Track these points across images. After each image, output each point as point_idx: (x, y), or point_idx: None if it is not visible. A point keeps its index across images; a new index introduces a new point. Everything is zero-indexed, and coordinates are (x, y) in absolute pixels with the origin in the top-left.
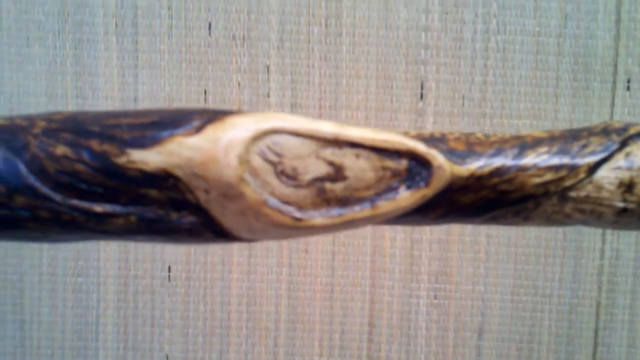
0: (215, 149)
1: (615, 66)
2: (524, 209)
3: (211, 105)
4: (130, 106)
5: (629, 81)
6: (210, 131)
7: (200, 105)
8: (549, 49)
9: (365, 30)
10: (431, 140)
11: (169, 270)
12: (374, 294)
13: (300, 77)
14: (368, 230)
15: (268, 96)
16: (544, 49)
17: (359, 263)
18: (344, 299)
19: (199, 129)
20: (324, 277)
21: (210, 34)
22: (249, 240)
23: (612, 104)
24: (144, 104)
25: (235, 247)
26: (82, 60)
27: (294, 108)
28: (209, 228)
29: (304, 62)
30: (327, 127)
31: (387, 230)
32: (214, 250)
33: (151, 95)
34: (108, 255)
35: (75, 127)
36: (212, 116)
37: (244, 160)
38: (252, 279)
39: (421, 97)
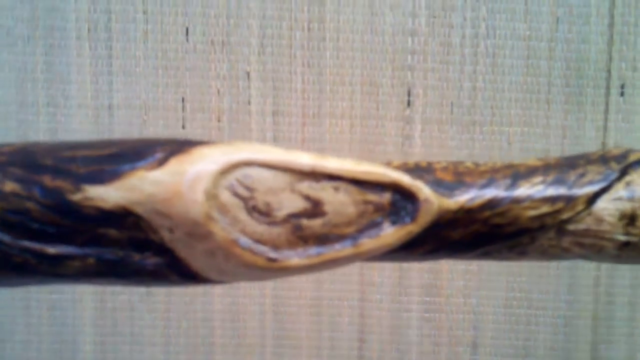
0: (179, 184)
1: (609, 71)
2: (519, 244)
3: (189, 113)
4: (104, 115)
5: (622, 87)
6: (175, 164)
7: (173, 122)
8: (540, 53)
9: (349, 35)
10: (416, 170)
11: None
12: (363, 308)
13: (282, 83)
14: None
15: (249, 104)
16: (535, 53)
17: (347, 276)
18: (332, 313)
19: (162, 162)
20: (310, 290)
21: (187, 40)
22: (219, 282)
23: (606, 110)
24: (119, 113)
25: None
26: (54, 67)
27: (276, 116)
28: (174, 270)
29: (286, 68)
30: (303, 159)
31: None
32: None
33: (126, 103)
34: None
35: (26, 160)
36: (177, 147)
37: (211, 196)
38: (235, 293)
39: (408, 104)
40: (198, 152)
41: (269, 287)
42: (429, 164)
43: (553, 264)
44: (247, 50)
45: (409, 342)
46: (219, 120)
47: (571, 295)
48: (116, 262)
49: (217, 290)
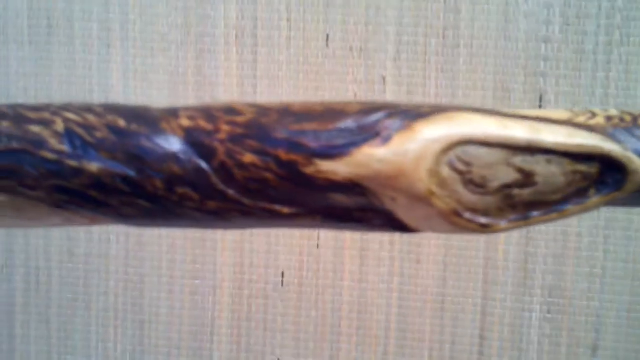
0: (404, 162)
1: None
2: None
3: None
4: None
5: None
6: (399, 143)
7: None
8: None
9: (483, 41)
10: (622, 131)
11: (283, 276)
12: (485, 306)
13: (416, 88)
14: (481, 242)
15: None
16: None
17: (471, 275)
18: (454, 310)
19: (386, 139)
20: (435, 287)
21: (327, 46)
22: (423, 232)
23: None
24: None
25: (347, 256)
26: (203, 71)
27: None
28: (390, 224)
29: (421, 73)
30: (520, 134)
31: (501, 243)
32: (326, 258)
33: None
34: (224, 260)
35: (261, 133)
36: (400, 124)
37: (433, 173)
38: (364, 287)
39: (539, 109)
40: (421, 131)
41: (395, 282)
42: (635, 117)
43: None
44: (383, 56)
45: (529, 342)
46: None
47: None
48: (340, 217)
49: (346, 283)
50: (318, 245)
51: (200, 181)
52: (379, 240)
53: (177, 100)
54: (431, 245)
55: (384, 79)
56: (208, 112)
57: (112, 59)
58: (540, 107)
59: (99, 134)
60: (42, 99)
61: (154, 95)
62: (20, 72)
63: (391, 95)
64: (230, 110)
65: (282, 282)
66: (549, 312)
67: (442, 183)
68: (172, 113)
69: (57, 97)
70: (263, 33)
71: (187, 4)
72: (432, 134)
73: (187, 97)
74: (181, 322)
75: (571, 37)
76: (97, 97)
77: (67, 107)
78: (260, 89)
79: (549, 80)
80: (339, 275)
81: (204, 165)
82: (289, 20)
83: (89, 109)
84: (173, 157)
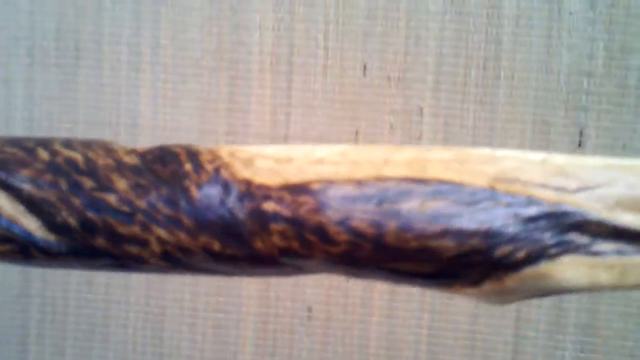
0: (490, 300)
1: None
2: None
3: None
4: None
5: None
6: (489, 289)
7: None
8: None
9: (524, 74)
10: None
11: (309, 310)
12: (517, 344)
13: (453, 119)
14: None
15: (420, 138)
16: None
17: (503, 311)
18: (485, 347)
19: (476, 284)
20: (466, 324)
21: (365, 75)
22: None
23: None
24: (295, 143)
25: (376, 290)
26: (235, 98)
27: None
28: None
29: (459, 104)
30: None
31: None
32: (355, 292)
33: (302, 134)
34: (249, 293)
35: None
36: (493, 275)
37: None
38: (393, 323)
39: (579, 144)
40: (509, 285)
41: (426, 318)
42: None
43: None
44: (421, 86)
45: None
46: None
47: None
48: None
49: (374, 318)
50: (347, 279)
51: None
52: None
53: (207, 127)
54: None
55: (421, 109)
56: (301, 234)
57: (141, 84)
58: (580, 142)
59: (195, 259)
60: (66, 123)
61: (185, 121)
62: (45, 95)
63: (427, 126)
64: (325, 237)
65: (309, 316)
66: (582, 351)
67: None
68: (263, 227)
69: (83, 121)
70: (299, 60)
71: (221, 30)
72: (520, 287)
73: (218, 123)
74: (202, 357)
75: (614, 72)
76: (124, 122)
77: (154, 219)
78: (294, 117)
79: (590, 114)
80: (367, 310)
81: None
82: (325, 48)
83: (179, 223)
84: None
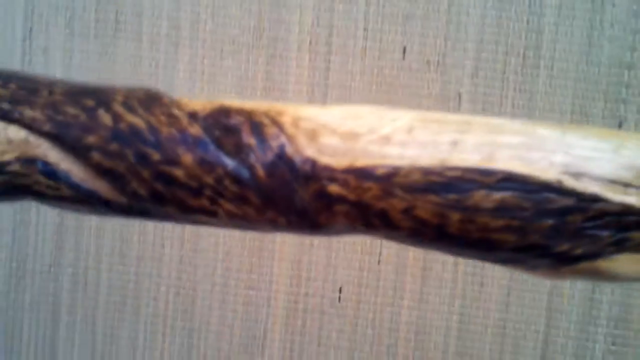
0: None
1: None
2: None
3: None
4: None
5: None
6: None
7: None
8: None
9: (564, 64)
10: None
11: (340, 291)
12: (548, 334)
13: (491, 106)
14: None
15: None
16: None
17: (535, 301)
18: (516, 336)
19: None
20: (497, 312)
21: (404, 58)
22: None
23: None
24: None
25: (408, 274)
26: (273, 76)
27: None
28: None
29: (497, 92)
30: None
31: None
32: (387, 275)
33: None
34: (281, 271)
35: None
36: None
37: None
38: (424, 307)
39: None
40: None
41: (457, 304)
42: None
43: None
44: (460, 72)
45: None
46: None
47: None
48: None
49: (406, 302)
50: (379, 261)
51: None
52: (442, 261)
53: None
54: (495, 269)
55: (459, 95)
56: (365, 217)
57: (179, 58)
58: None
59: (260, 227)
60: None
61: (221, 98)
62: (83, 65)
63: (465, 112)
64: (388, 222)
65: (339, 297)
66: (613, 344)
67: None
68: (327, 207)
69: None
70: (338, 41)
71: (261, 7)
72: (574, 277)
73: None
74: (232, 333)
75: None
76: None
77: (222, 195)
78: (330, 98)
79: (630, 107)
80: (398, 293)
81: None
82: (365, 29)
83: (246, 199)
84: None
